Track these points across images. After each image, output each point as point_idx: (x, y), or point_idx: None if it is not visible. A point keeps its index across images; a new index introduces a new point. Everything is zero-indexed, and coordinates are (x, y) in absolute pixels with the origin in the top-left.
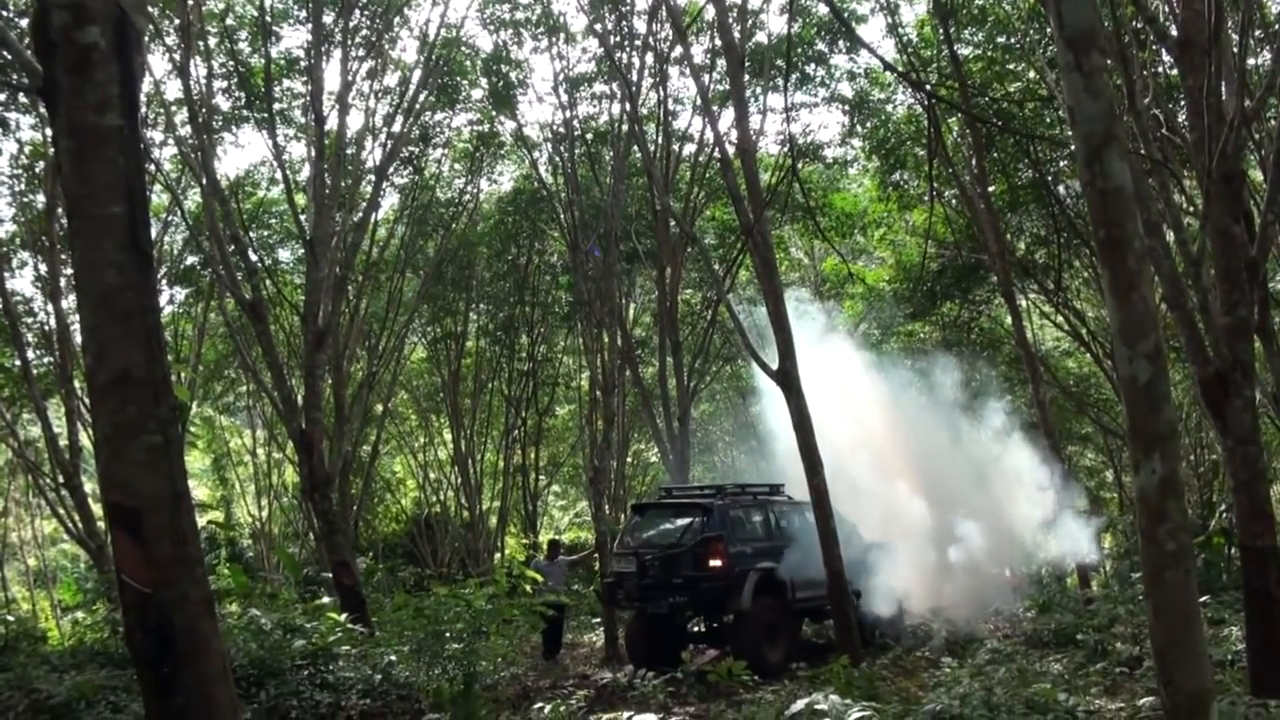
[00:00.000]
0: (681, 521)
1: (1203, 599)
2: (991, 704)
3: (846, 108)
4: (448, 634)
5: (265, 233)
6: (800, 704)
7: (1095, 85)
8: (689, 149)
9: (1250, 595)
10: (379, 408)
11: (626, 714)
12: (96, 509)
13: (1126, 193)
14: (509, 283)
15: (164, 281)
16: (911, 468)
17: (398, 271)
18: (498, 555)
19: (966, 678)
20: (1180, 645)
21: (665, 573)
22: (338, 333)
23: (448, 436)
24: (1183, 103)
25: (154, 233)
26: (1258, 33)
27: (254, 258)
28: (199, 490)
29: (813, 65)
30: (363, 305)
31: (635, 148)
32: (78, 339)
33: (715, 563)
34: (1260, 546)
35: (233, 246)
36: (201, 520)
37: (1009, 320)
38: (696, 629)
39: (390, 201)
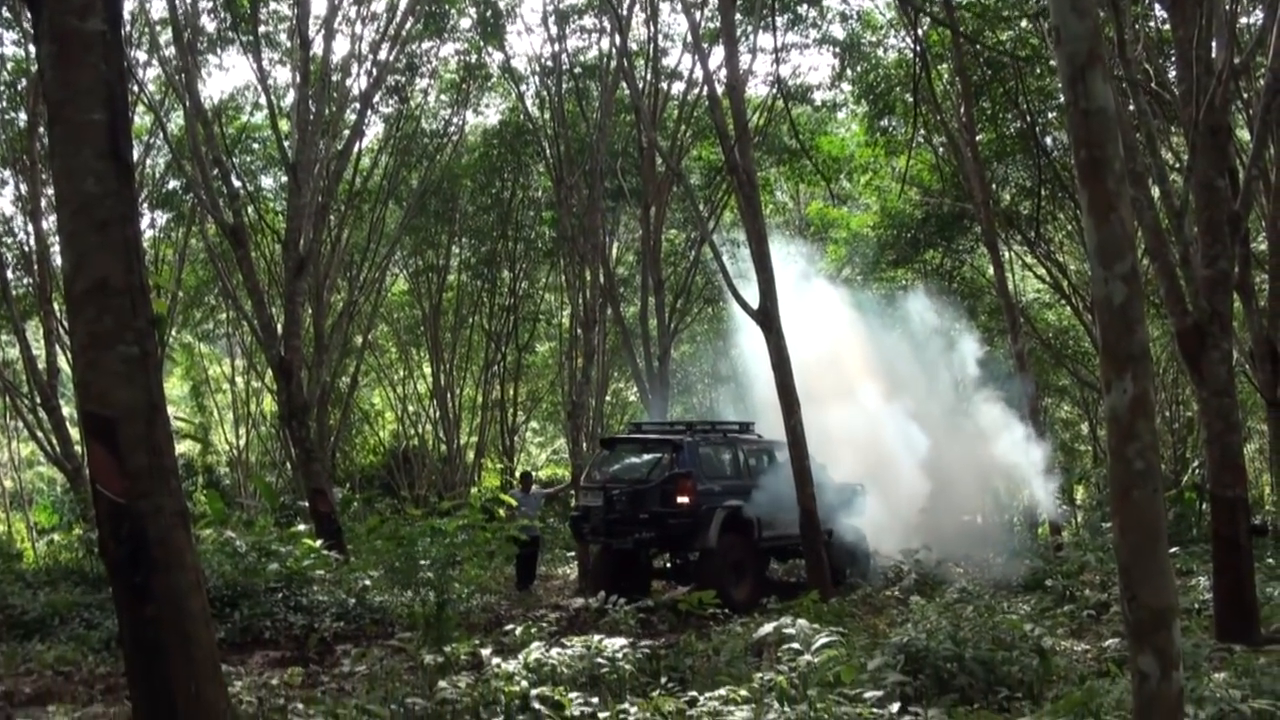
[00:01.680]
0: (650, 457)
1: (1172, 550)
2: (958, 638)
3: (837, 50)
4: (422, 560)
5: (248, 158)
6: (768, 627)
7: (1081, 4)
8: (678, 87)
9: (1219, 543)
10: (358, 339)
11: (597, 637)
12: (74, 431)
13: (1108, 114)
14: (492, 216)
15: (145, 205)
16: (887, 412)
17: (380, 202)
18: (474, 489)
19: (934, 614)
20: (1144, 562)
21: (632, 508)
22: (319, 261)
23: (427, 370)
24: (1173, 58)
25: (136, 154)
26: None
27: (236, 183)
28: (176, 419)
29: (804, 5)
30: (344, 235)
31: (624, 83)
32: (58, 260)
33: (682, 499)
34: (1230, 496)
35: (215, 171)
36: (179, 447)
37: (991, 270)
38: (662, 565)
39: (375, 131)
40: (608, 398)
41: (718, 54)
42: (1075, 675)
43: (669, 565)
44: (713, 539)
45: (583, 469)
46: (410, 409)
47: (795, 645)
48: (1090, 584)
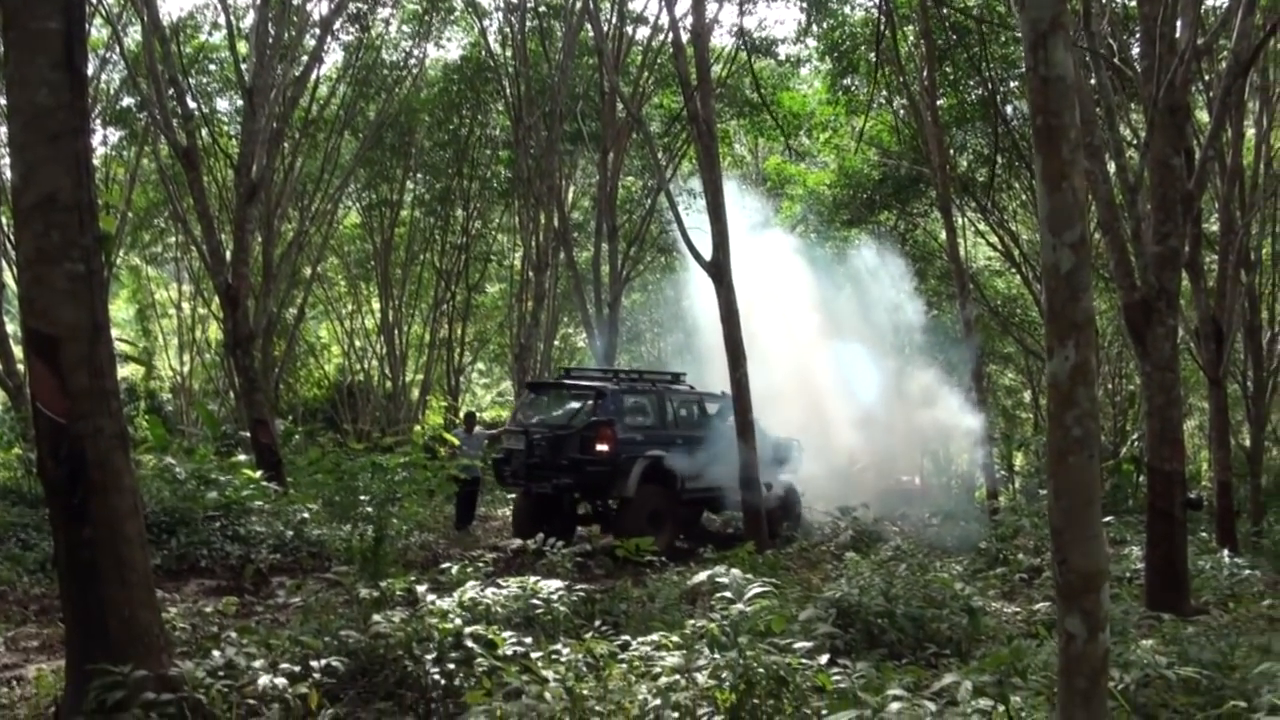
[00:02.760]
0: (574, 404)
1: (1107, 519)
2: (890, 595)
3: (804, 5)
4: (362, 495)
5: (204, 79)
6: (702, 575)
7: None
8: (642, 32)
9: (1153, 515)
10: (307, 270)
11: (534, 579)
12: (17, 350)
13: (1067, 82)
14: (449, 153)
15: (98, 121)
16: (831, 370)
17: (336, 132)
18: (417, 427)
19: (868, 570)
20: (1077, 526)
21: (553, 453)
22: (271, 189)
23: (375, 305)
24: (1137, 35)
25: (91, 69)
26: None
27: (191, 104)
28: (120, 341)
29: None
30: (298, 163)
31: (588, 25)
32: (6, 174)
33: (602, 447)
34: (1167, 470)
35: (170, 90)
36: (122, 370)
37: (943, 235)
38: (588, 511)
39: (334, 59)
40: (556, 342)
41: (684, 1)
42: (1004, 635)
43: (592, 512)
44: (631, 488)
45: None
46: (357, 344)
47: (728, 594)
48: (1024, 548)
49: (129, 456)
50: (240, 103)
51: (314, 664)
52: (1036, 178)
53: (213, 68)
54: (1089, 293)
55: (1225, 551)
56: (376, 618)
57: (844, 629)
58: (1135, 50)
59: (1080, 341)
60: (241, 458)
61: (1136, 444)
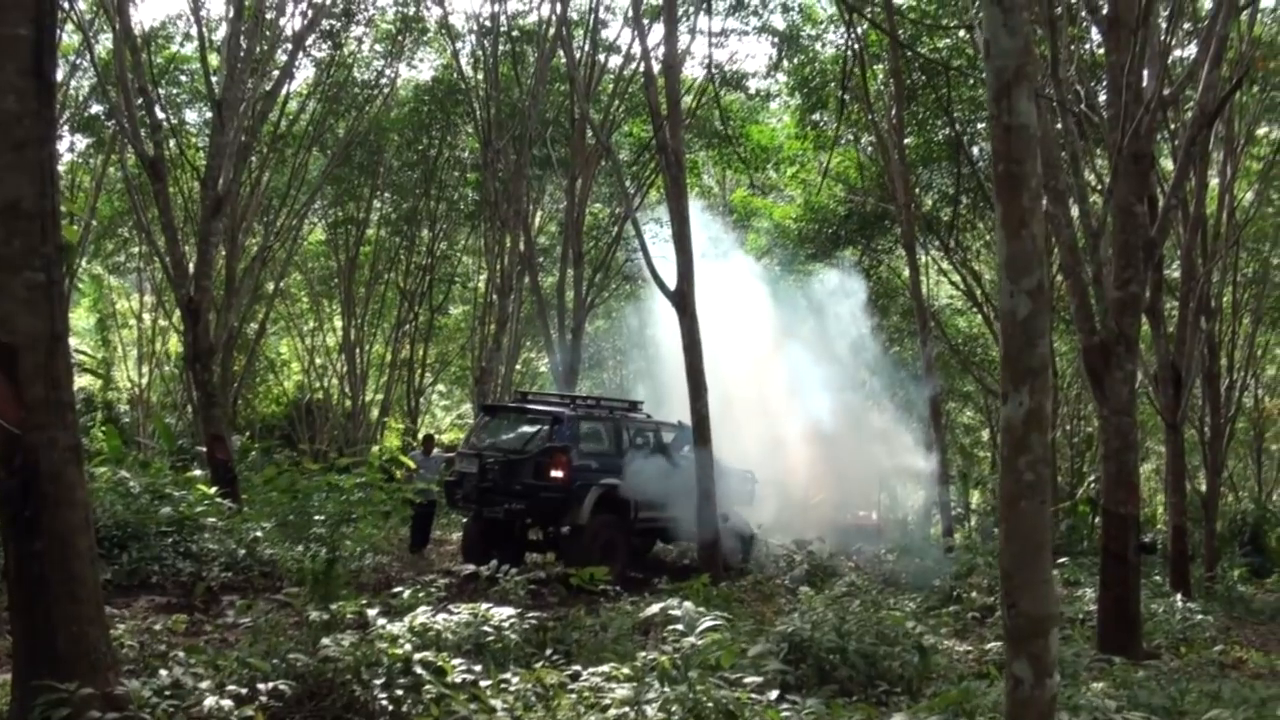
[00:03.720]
0: (529, 428)
1: (1062, 560)
2: (843, 631)
3: (775, 40)
4: (316, 515)
5: (174, 90)
6: (655, 608)
7: (1014, 21)
8: (615, 61)
9: (1107, 558)
10: (270, 285)
11: (486, 605)
12: None
13: (1030, 131)
14: (417, 174)
15: (66, 128)
16: (790, 403)
17: (304, 148)
18: (375, 448)
19: (821, 606)
20: (1027, 571)
21: (506, 478)
22: (236, 202)
23: (338, 323)
24: (1104, 82)
25: (61, 75)
26: (1186, 25)
27: (160, 114)
28: (79, 352)
29: None
30: (265, 178)
31: (560, 52)
32: None
33: (556, 473)
34: (1123, 513)
35: (140, 100)
36: (80, 381)
37: (907, 273)
38: (538, 537)
39: (305, 74)
40: (518, 366)
41: (657, 31)
42: (955, 675)
43: (543, 538)
44: (584, 516)
45: None
46: (317, 361)
47: (680, 627)
48: (978, 587)
49: (82, 469)
50: (209, 115)
51: (261, 686)
52: (996, 224)
53: (183, 79)
54: (1045, 339)
55: (1179, 596)
56: (326, 641)
57: (795, 664)
58: (1102, 98)
59: (1035, 387)
60: (197, 473)
61: (1093, 486)
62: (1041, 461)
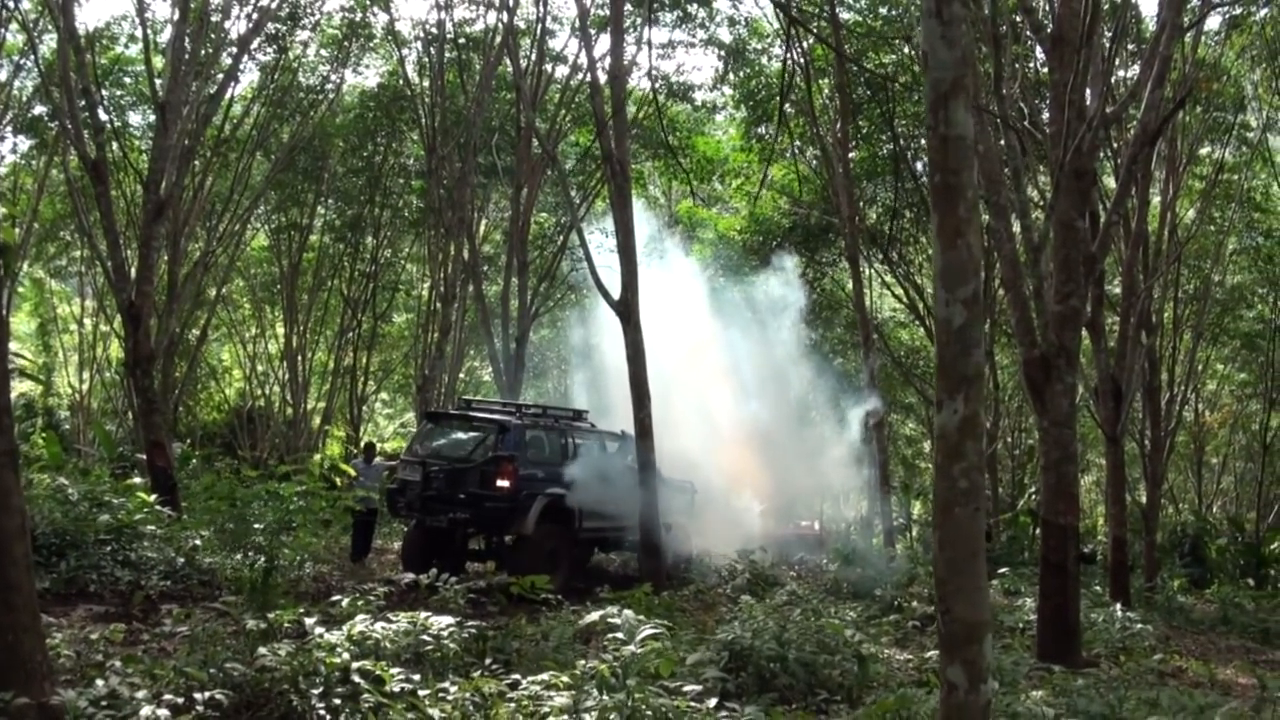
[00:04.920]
0: (473, 436)
1: (1002, 571)
2: (783, 639)
3: (722, 53)
4: (255, 523)
5: (118, 92)
6: (595, 615)
7: (952, 34)
8: (561, 70)
9: (1047, 568)
10: (212, 291)
11: (425, 614)
12: None
13: (967, 142)
14: (361, 180)
15: (8, 128)
16: (733, 413)
17: (248, 152)
18: (317, 456)
19: (762, 614)
20: (961, 576)
21: (450, 486)
22: (179, 206)
23: (280, 330)
24: (1047, 99)
25: (4, 75)
26: (1130, 46)
27: (103, 116)
28: (18, 356)
29: (694, 4)
30: (208, 182)
31: (507, 60)
32: None
33: (502, 483)
34: (1062, 524)
35: (83, 101)
36: (20, 386)
37: (851, 285)
38: (478, 546)
39: (249, 79)
40: (462, 375)
41: (604, 42)
42: (894, 683)
43: (484, 547)
44: (530, 526)
45: None
46: (259, 368)
47: (620, 635)
48: (919, 596)
49: (18, 475)
50: (152, 118)
51: (198, 696)
52: (933, 234)
53: (127, 80)
54: (980, 348)
55: (1118, 605)
56: (263, 650)
57: (735, 672)
58: (1045, 115)
59: (969, 395)
60: (137, 480)
61: (1033, 497)
62: (975, 469)
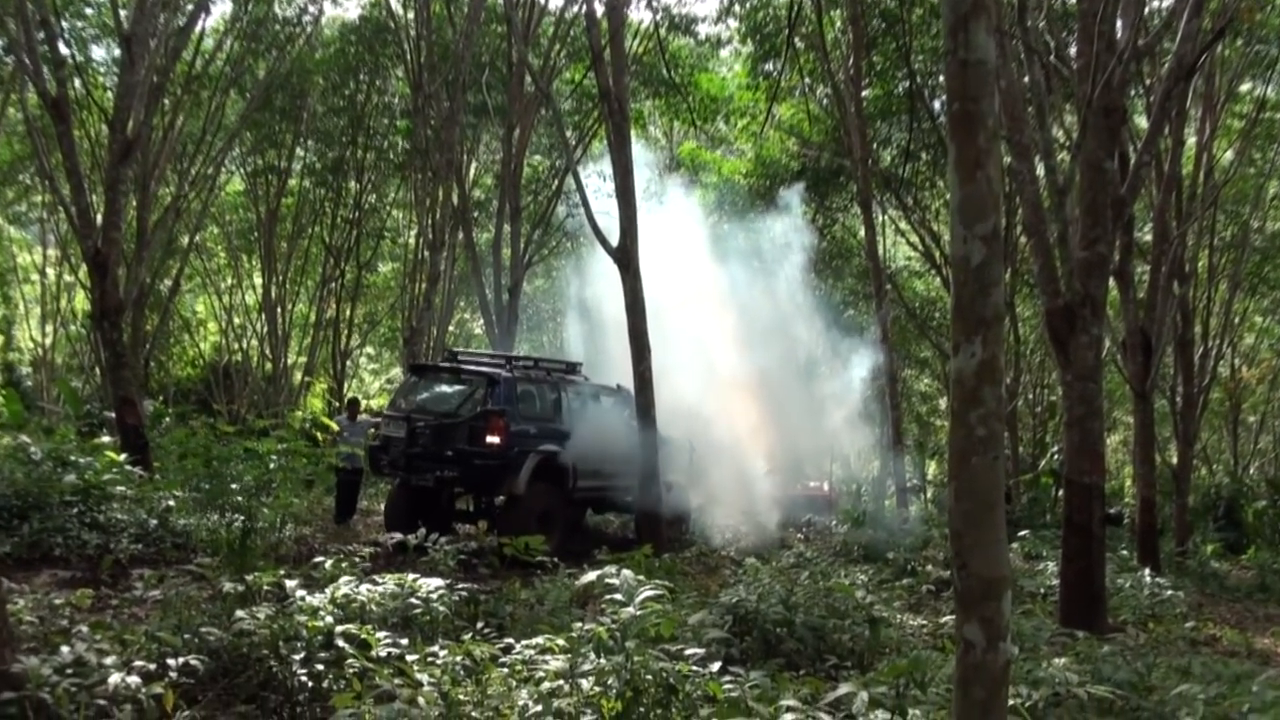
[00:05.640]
0: (461, 389)
1: (1023, 534)
2: (790, 603)
3: None
4: (233, 483)
5: (79, 23)
6: (591, 575)
7: None
8: (556, 1)
9: (1070, 530)
10: (185, 239)
11: (413, 576)
12: None
13: (987, 67)
14: (343, 120)
15: None
16: (736, 369)
17: (221, 90)
18: (298, 413)
19: (768, 577)
20: (978, 530)
21: (437, 443)
22: (148, 147)
23: (258, 280)
24: (1074, 33)
25: None
26: None
27: (64, 49)
28: None
29: None
30: (179, 122)
31: None
32: None
33: (493, 439)
34: (1086, 483)
35: (41, 34)
36: None
37: (863, 232)
38: (467, 507)
39: (221, 9)
40: (451, 328)
41: None
42: (907, 648)
43: (473, 508)
44: (522, 485)
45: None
46: (236, 321)
47: (618, 596)
48: (933, 559)
49: None
50: (118, 52)
51: (171, 662)
52: (950, 167)
53: (89, 11)
54: (999, 288)
55: (1146, 570)
56: (241, 614)
57: (740, 637)
58: (1072, 49)
59: (988, 338)
60: (105, 439)
61: (1056, 456)
62: (994, 416)
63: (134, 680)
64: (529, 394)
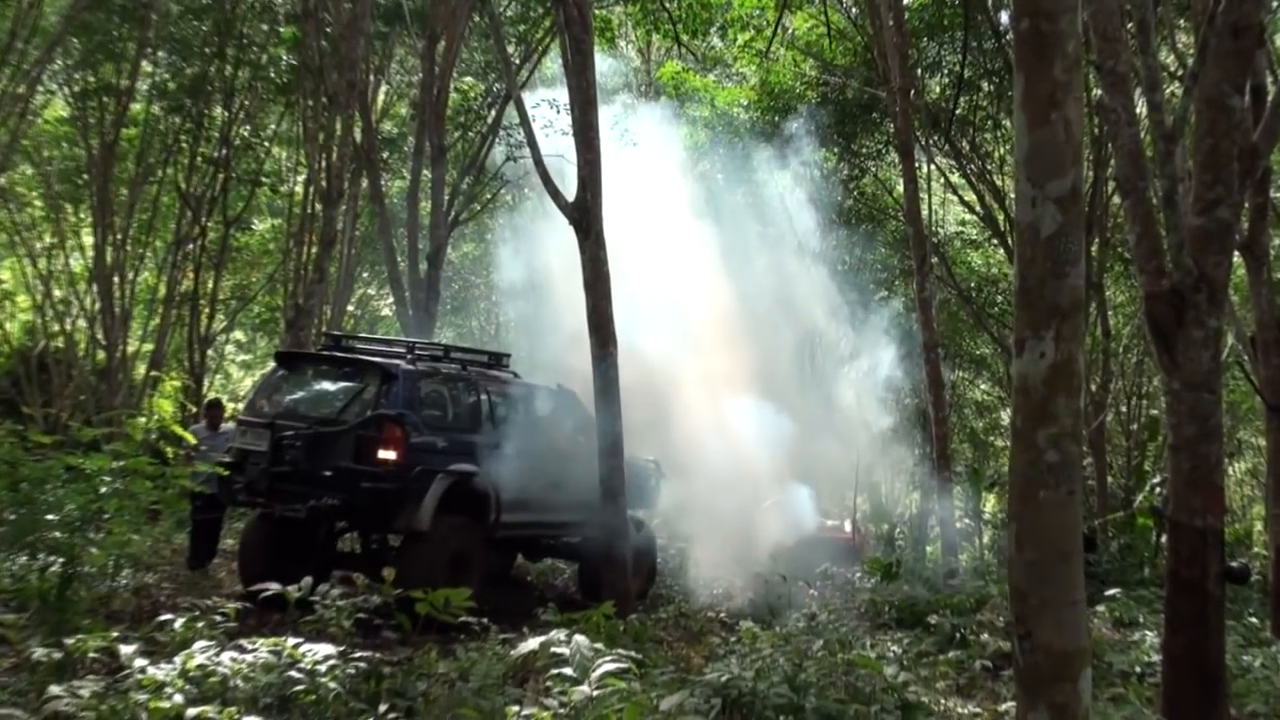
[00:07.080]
0: (345, 387)
1: (1111, 592)
2: (798, 682)
3: None
4: (49, 513)
5: None
6: (533, 642)
7: None
8: None
9: (1177, 588)
10: None
11: (294, 640)
12: None
13: None
14: (206, 24)
15: None
16: (730, 366)
17: None
18: (141, 419)
19: (769, 647)
20: (1048, 587)
21: (311, 459)
22: None
23: (87, 239)
24: None
25: None
26: None
27: None
28: None
29: None
30: None
31: None
32: None
33: (386, 454)
34: (1199, 526)
35: None
36: None
37: (901, 186)
38: (348, 549)
39: None
40: (351, 307)
41: None
42: None
43: (361, 549)
44: (425, 518)
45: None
46: (56, 294)
47: (568, 671)
48: (991, 625)
49: None
50: None
51: None
52: (1016, 105)
53: None
54: (1079, 267)
55: None
56: (56, 689)
57: None
58: None
59: (1063, 332)
60: None
61: (1157, 490)
62: (1069, 436)
63: None
64: (437, 394)
